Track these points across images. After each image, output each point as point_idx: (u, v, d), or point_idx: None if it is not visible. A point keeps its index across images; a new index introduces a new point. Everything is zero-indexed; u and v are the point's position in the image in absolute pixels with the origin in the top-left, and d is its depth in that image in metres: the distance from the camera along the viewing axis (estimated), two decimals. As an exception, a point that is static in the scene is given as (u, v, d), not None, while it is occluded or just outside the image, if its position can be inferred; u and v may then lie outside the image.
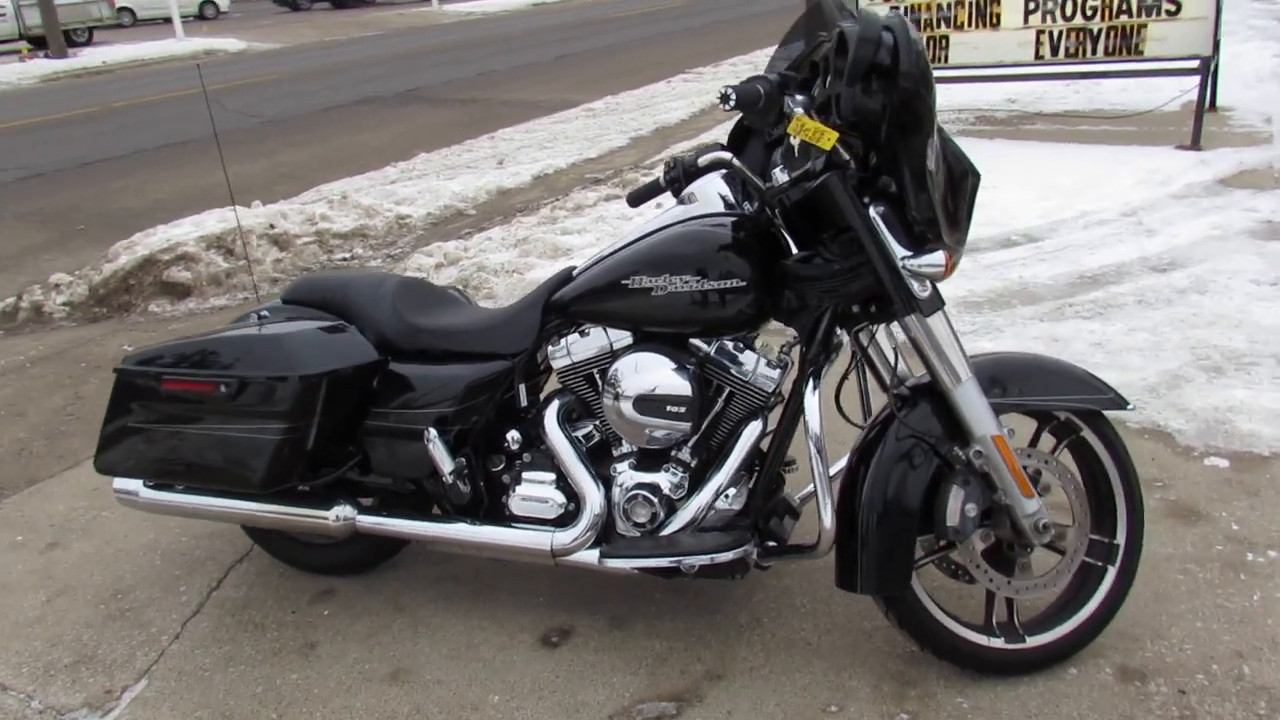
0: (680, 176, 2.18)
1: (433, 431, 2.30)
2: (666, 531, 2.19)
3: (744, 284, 2.05)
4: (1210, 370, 3.39)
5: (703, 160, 2.15)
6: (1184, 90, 6.86)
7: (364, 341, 2.36)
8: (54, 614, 2.63)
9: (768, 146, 2.21)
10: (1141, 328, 3.79)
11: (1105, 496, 2.18)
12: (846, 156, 1.91)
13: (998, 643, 2.11)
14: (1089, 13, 6.78)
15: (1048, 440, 2.21)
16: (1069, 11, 6.86)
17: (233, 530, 2.82)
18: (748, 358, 2.17)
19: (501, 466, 2.37)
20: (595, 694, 2.20)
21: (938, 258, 1.92)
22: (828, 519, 2.02)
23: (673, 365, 2.13)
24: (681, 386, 2.11)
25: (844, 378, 2.26)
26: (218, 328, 2.47)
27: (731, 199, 2.19)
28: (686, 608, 2.45)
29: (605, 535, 2.24)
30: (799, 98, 1.88)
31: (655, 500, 2.18)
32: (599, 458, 2.29)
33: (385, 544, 2.61)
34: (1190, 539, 2.56)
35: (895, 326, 2.09)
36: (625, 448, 2.26)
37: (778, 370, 2.17)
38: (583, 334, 2.26)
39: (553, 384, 2.37)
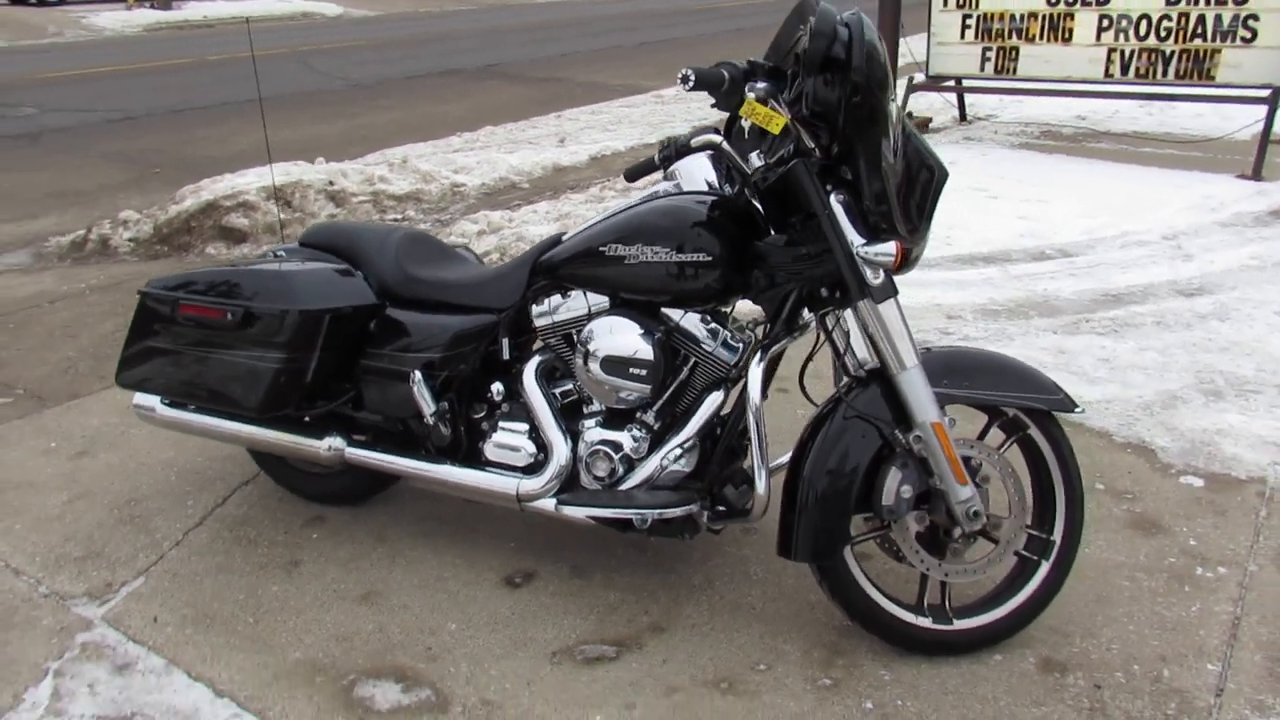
0: (673, 155, 2.30)
1: (418, 374, 2.47)
2: (624, 487, 2.32)
3: (709, 259, 2.17)
4: (1209, 394, 3.39)
5: (695, 141, 2.27)
6: (1257, 119, 6.72)
7: (364, 285, 2.53)
8: (72, 514, 2.87)
9: (759, 134, 2.31)
10: (1153, 347, 3.79)
11: (1047, 493, 2.25)
12: (811, 144, 2.02)
13: (925, 622, 2.20)
14: (1163, 34, 6.69)
15: (997, 435, 2.28)
16: (1143, 31, 6.77)
17: (243, 454, 3.02)
18: (712, 330, 2.29)
19: (483, 414, 2.53)
20: (544, 632, 2.35)
21: (889, 247, 2.01)
22: (761, 486, 2.14)
23: (640, 330, 2.26)
24: (644, 351, 2.24)
25: (808, 358, 2.36)
26: (238, 262, 2.67)
27: (715, 181, 2.31)
28: (645, 565, 2.58)
29: (569, 486, 2.38)
30: (760, 84, 1.99)
31: (614, 456, 2.31)
32: (573, 414, 2.43)
33: (376, 478, 2.78)
34: (1146, 550, 2.61)
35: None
36: (595, 406, 2.40)
37: (740, 345, 2.28)
38: (565, 296, 2.40)
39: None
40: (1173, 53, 6.68)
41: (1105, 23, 6.92)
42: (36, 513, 2.88)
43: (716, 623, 2.37)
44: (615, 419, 2.37)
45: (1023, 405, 2.18)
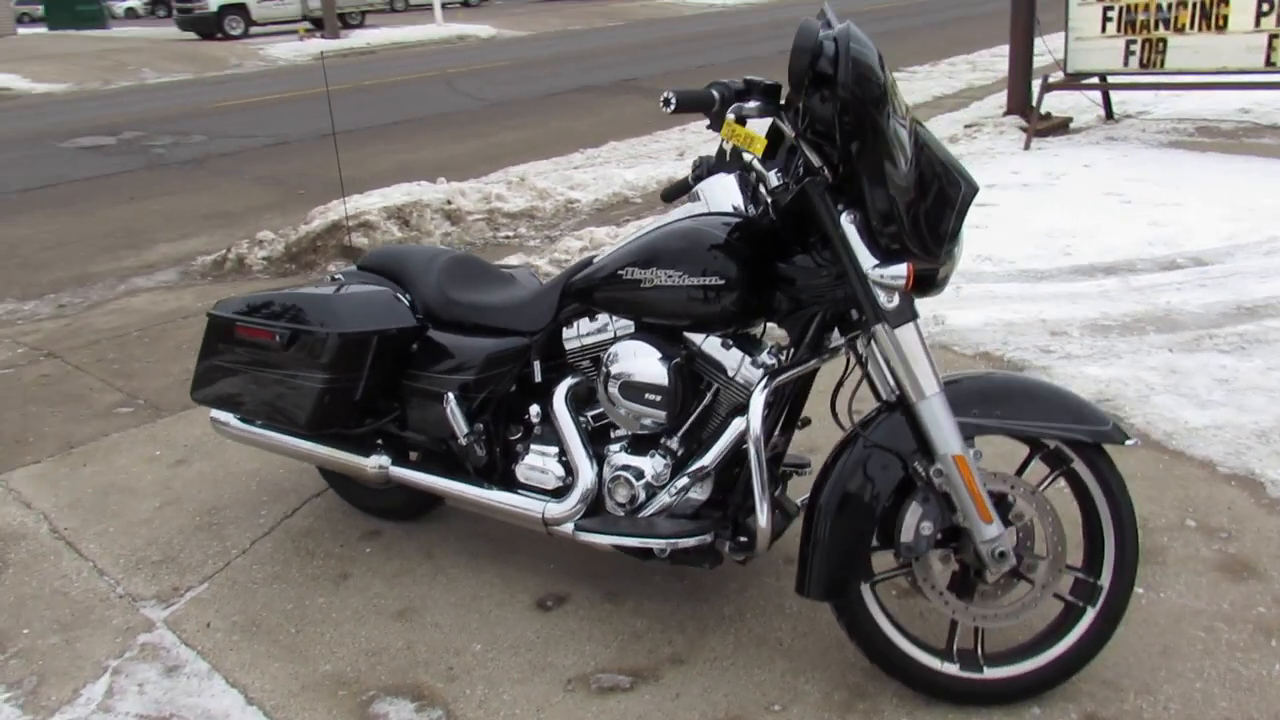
0: (704, 174, 2.26)
1: (451, 395, 2.51)
2: (644, 514, 2.28)
3: (722, 282, 2.10)
4: (1338, 423, 3.05)
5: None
6: None
7: (404, 308, 2.60)
8: (160, 519, 3.06)
9: (790, 152, 2.24)
10: (1280, 369, 3.45)
11: (1096, 533, 2.07)
12: (818, 163, 1.93)
13: (951, 669, 2.06)
14: (1333, 17, 6.10)
15: (1041, 470, 2.12)
16: (1310, 15, 6.20)
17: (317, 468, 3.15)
18: (733, 355, 2.22)
19: (519, 436, 2.54)
20: (564, 658, 2.33)
21: (900, 269, 1.90)
22: (763, 518, 2.05)
23: (658, 355, 2.21)
24: (659, 376, 2.19)
25: (839, 383, 2.26)
26: (296, 285, 2.78)
27: (740, 202, 2.24)
28: (678, 593, 2.53)
29: (595, 511, 2.36)
30: (751, 104, 1.92)
31: (635, 483, 2.27)
32: (602, 439, 2.41)
33: (429, 496, 2.84)
34: (1232, 596, 2.36)
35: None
36: (621, 431, 2.37)
37: (761, 370, 2.21)
38: (592, 319, 2.39)
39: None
40: (1345, 39, 6.08)
41: (1265, 7, 6.37)
42: (130, 517, 3.09)
43: (739, 657, 2.29)
44: (640, 444, 2.34)
45: (1064, 436, 2.01)
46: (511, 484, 2.51)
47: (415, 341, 2.61)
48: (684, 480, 2.21)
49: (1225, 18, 6.56)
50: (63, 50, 22.06)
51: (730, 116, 1.90)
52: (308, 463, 2.93)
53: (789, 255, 2.13)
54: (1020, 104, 7.88)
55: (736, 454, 2.24)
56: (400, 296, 2.63)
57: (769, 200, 2.10)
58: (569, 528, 2.33)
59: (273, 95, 13.92)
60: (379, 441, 2.72)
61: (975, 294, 4.41)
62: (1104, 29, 7.16)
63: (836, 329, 2.18)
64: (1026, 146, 7.24)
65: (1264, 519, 2.65)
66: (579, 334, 2.40)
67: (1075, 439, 2.01)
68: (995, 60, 11.54)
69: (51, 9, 30.57)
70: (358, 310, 2.53)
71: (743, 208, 2.22)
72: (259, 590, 2.67)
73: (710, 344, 2.24)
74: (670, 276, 2.16)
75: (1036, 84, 7.52)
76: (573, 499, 2.34)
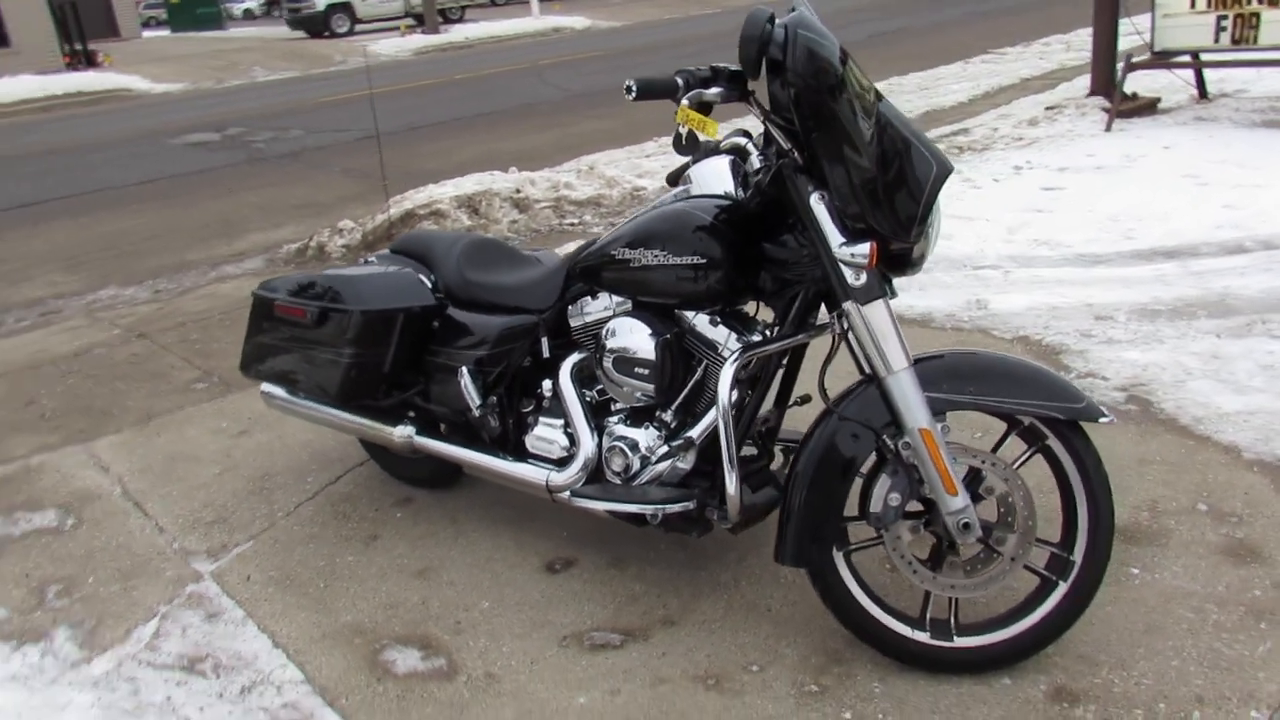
0: (701, 157, 2.36)
1: (465, 370, 2.66)
2: (638, 482, 2.40)
3: (704, 261, 2.19)
4: (1377, 409, 2.96)
5: (725, 143, 2.34)
6: None
7: (425, 288, 2.76)
8: (218, 484, 3.32)
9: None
10: (1331, 355, 3.34)
11: (1071, 510, 2.10)
12: (787, 146, 2.01)
13: (921, 636, 2.12)
14: None
15: (1019, 447, 2.15)
16: None
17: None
18: (720, 332, 2.31)
19: (530, 409, 2.68)
20: (563, 616, 2.47)
21: (863, 248, 1.96)
22: (731, 486, 2.14)
23: (648, 332, 2.32)
24: (648, 351, 2.30)
25: (827, 359, 2.33)
26: (332, 268, 2.98)
27: (730, 185, 2.32)
28: (681, 561, 2.64)
29: (594, 479, 2.49)
30: (712, 90, 2.01)
31: (629, 453, 2.39)
32: (605, 412, 2.53)
33: (454, 465, 3.01)
34: (1230, 579, 2.35)
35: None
36: (620, 404, 2.49)
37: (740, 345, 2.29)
38: (594, 297, 2.52)
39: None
40: None
41: (1372, -24, 6.06)
42: (191, 481, 3.36)
43: (728, 621, 2.39)
44: (637, 417, 2.45)
45: (1037, 413, 2.04)
46: (522, 454, 2.66)
47: (436, 319, 2.78)
48: (668, 450, 2.32)
49: (1322, -10, 6.27)
50: (181, 52, 23.25)
51: (684, 102, 2.00)
52: (344, 433, 3.13)
53: (774, 236, 2.21)
54: (1104, 84, 7.65)
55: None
56: (423, 278, 2.80)
57: (754, 182, 2.19)
58: (569, 494, 2.47)
59: (366, 91, 14.42)
60: (410, 414, 2.90)
61: (1024, 278, 4.37)
62: (1193, 4, 6.90)
63: (825, 306, 2.25)
64: (1108, 128, 7.05)
65: (1278, 505, 2.61)
66: (582, 312, 2.53)
67: (1049, 416, 2.04)
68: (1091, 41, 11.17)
69: (173, 12, 32.17)
70: (381, 290, 2.71)
71: (732, 191, 2.31)
72: (296, 548, 2.88)
73: (700, 321, 2.34)
74: (658, 256, 2.26)
75: (1121, 64, 7.29)
76: (574, 467, 2.47)
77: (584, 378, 2.55)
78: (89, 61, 20.41)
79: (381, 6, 25.60)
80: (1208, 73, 7.64)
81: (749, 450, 2.46)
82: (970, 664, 2.12)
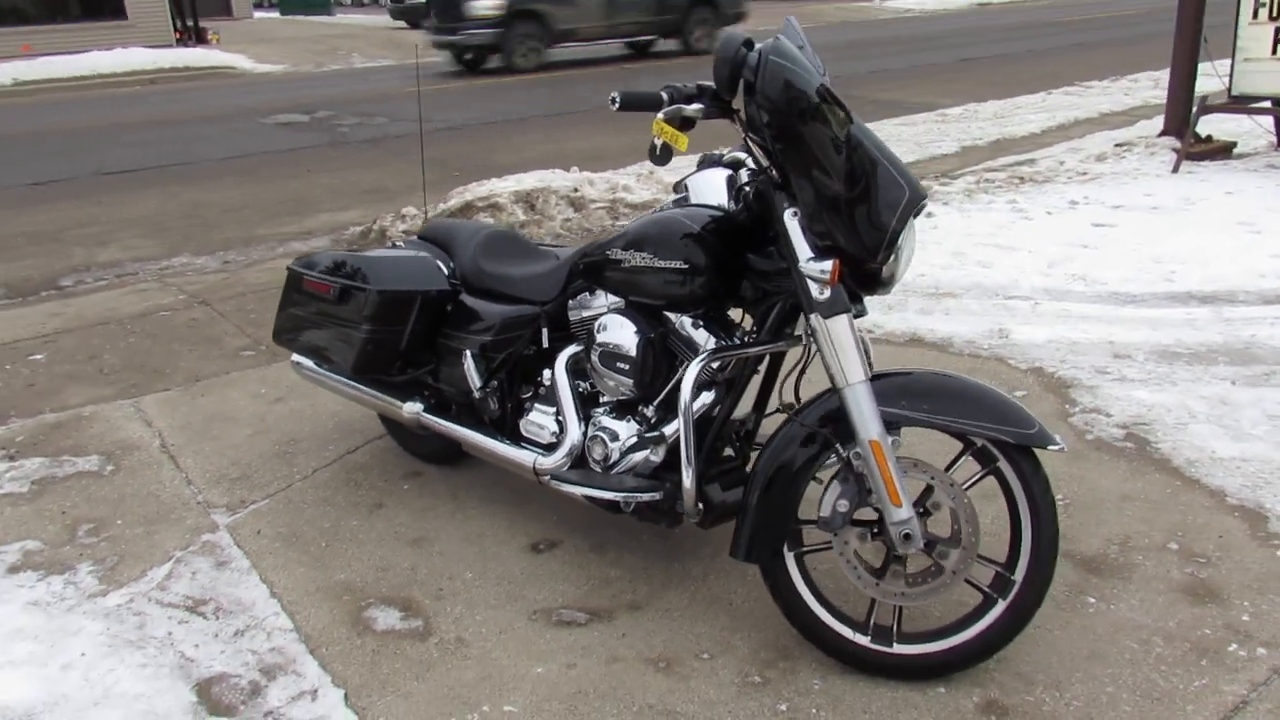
0: (707, 168, 2.51)
1: (468, 353, 2.83)
2: (615, 471, 2.53)
3: (688, 266, 2.32)
4: (1375, 467, 2.94)
5: (727, 156, 2.49)
6: None
7: (440, 273, 2.94)
8: (248, 445, 3.55)
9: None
10: (1342, 410, 3.32)
11: (1016, 531, 2.17)
12: (766, 163, 2.13)
13: (862, 640, 2.21)
14: None
15: (973, 468, 2.23)
16: None
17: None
18: (700, 334, 2.44)
19: (529, 395, 2.84)
20: (537, 593, 2.62)
21: (825, 265, 2.07)
22: (687, 480, 2.26)
23: (633, 329, 2.46)
24: (630, 347, 2.44)
25: (801, 369, 2.44)
26: (363, 249, 3.17)
27: (724, 196, 2.45)
28: (658, 551, 2.77)
29: (578, 466, 2.63)
30: (694, 106, 2.13)
31: (609, 443, 2.52)
32: (595, 403, 2.68)
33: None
34: (1183, 617, 2.38)
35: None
36: (607, 397, 2.63)
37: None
38: (592, 293, 2.66)
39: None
40: None
41: None
42: (225, 440, 3.59)
43: (690, 611, 2.51)
44: (621, 410, 2.58)
45: (987, 435, 2.12)
46: (518, 437, 2.81)
47: (450, 304, 2.95)
48: (643, 442, 2.45)
49: None
50: (287, 34, 24.08)
51: (660, 116, 2.13)
52: (361, 405, 3.33)
53: (758, 248, 2.33)
54: (1177, 125, 7.53)
55: (701, 425, 2.46)
56: (441, 264, 2.98)
57: (741, 195, 2.32)
58: (549, 478, 2.61)
59: (456, 84, 14.80)
60: (425, 392, 3.08)
61: (1051, 311, 4.38)
62: (1275, 50, 6.77)
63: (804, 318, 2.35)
64: (1175, 169, 6.94)
65: (1251, 550, 2.63)
66: (579, 306, 2.68)
67: (999, 439, 2.12)
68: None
69: (285, -5, 33.23)
70: (399, 273, 2.89)
71: (725, 202, 2.43)
72: (306, 509, 3.09)
73: (683, 323, 2.46)
74: (646, 259, 2.40)
75: (1196, 106, 7.18)
76: (560, 453, 2.61)
77: (579, 370, 2.69)
78: (198, 38, 21.32)
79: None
80: (1289, 119, 7.46)
81: (728, 451, 2.58)
82: (908, 670, 2.20)
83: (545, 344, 2.77)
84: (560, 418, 2.69)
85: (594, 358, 2.53)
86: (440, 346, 2.98)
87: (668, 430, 2.45)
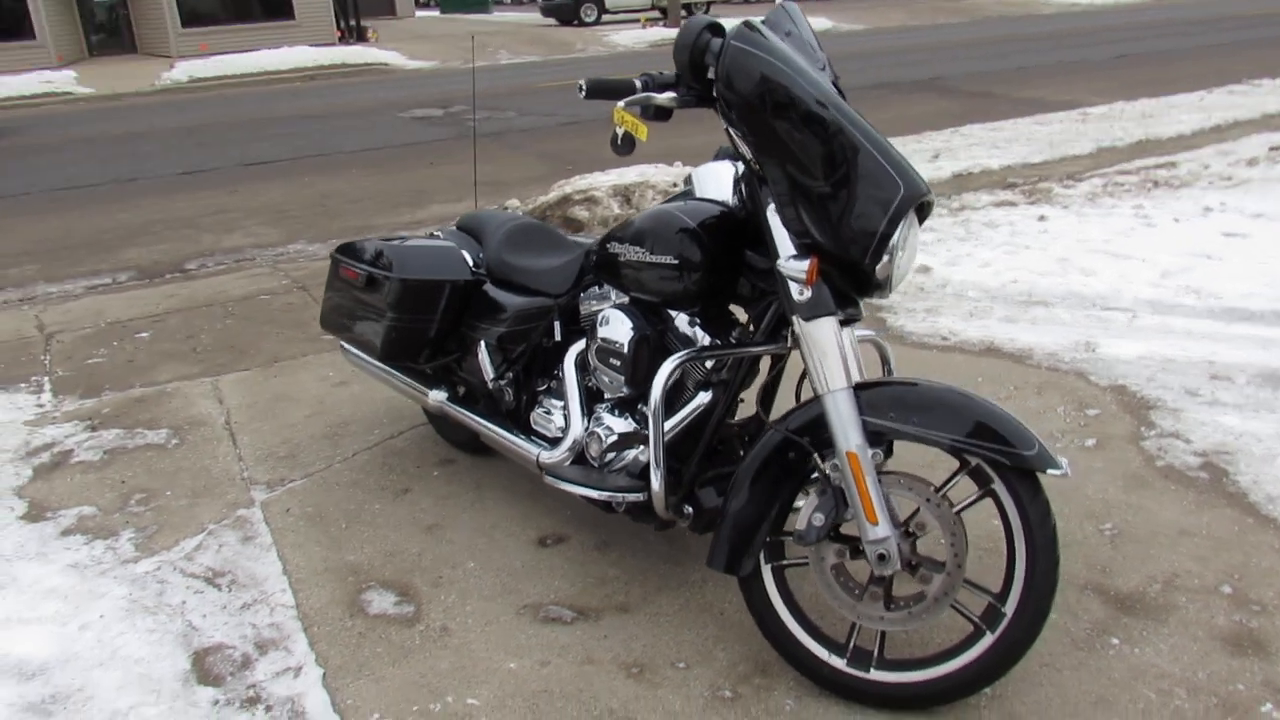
0: (723, 158, 2.43)
1: (483, 344, 2.83)
2: (610, 469, 2.47)
3: (680, 262, 2.24)
4: None
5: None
6: None
7: (463, 263, 2.95)
8: (303, 426, 3.67)
9: None
10: None
11: (1012, 560, 1.99)
12: (747, 155, 2.03)
13: (837, 662, 2.08)
14: None
15: (970, 488, 2.06)
16: None
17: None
18: (696, 333, 2.35)
19: (544, 389, 2.82)
20: (532, 587, 2.59)
21: (800, 265, 1.95)
22: (656, 483, 2.18)
23: (629, 324, 2.39)
24: (623, 343, 2.38)
25: (776, 372, 2.34)
26: (397, 237, 3.20)
27: (728, 191, 2.35)
28: (661, 555, 2.70)
29: (579, 461, 2.58)
30: (664, 95, 2.04)
31: (604, 440, 2.47)
32: (602, 398, 2.63)
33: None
34: (1216, 668, 2.14)
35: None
36: (608, 393, 2.57)
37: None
38: (602, 288, 2.61)
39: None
40: None
41: None
42: (282, 420, 3.73)
43: (678, 617, 2.43)
44: (621, 407, 2.52)
45: (980, 454, 1.95)
46: (530, 430, 2.79)
47: (475, 294, 2.96)
48: (628, 440, 2.38)
49: None
50: (441, 32, 24.95)
51: (619, 105, 2.05)
52: (395, 391, 3.38)
53: (758, 244, 2.23)
54: (1342, 125, 6.83)
55: (695, 426, 2.37)
56: (466, 254, 2.99)
57: (737, 189, 2.22)
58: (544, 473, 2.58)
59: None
60: (455, 380, 3.10)
61: (1151, 325, 4.05)
62: None
63: None
64: (1336, 174, 6.31)
65: (1321, 599, 2.34)
66: (590, 300, 2.63)
67: (993, 458, 1.95)
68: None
69: (445, -6, 34.45)
70: (424, 262, 2.92)
71: (728, 196, 2.33)
72: (337, 490, 3.16)
73: (680, 321, 2.38)
74: (639, 253, 2.33)
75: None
76: (562, 448, 2.58)
77: (587, 365, 2.64)
78: (359, 36, 22.34)
79: (629, -1, 26.43)
80: None
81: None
82: (883, 699, 2.06)
83: (559, 337, 2.74)
84: (567, 412, 2.65)
85: (592, 352, 2.48)
86: (464, 336, 2.99)
87: (659, 429, 2.37)
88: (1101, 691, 2.09)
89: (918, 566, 2.01)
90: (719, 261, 2.24)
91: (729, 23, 2.02)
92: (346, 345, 3.39)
